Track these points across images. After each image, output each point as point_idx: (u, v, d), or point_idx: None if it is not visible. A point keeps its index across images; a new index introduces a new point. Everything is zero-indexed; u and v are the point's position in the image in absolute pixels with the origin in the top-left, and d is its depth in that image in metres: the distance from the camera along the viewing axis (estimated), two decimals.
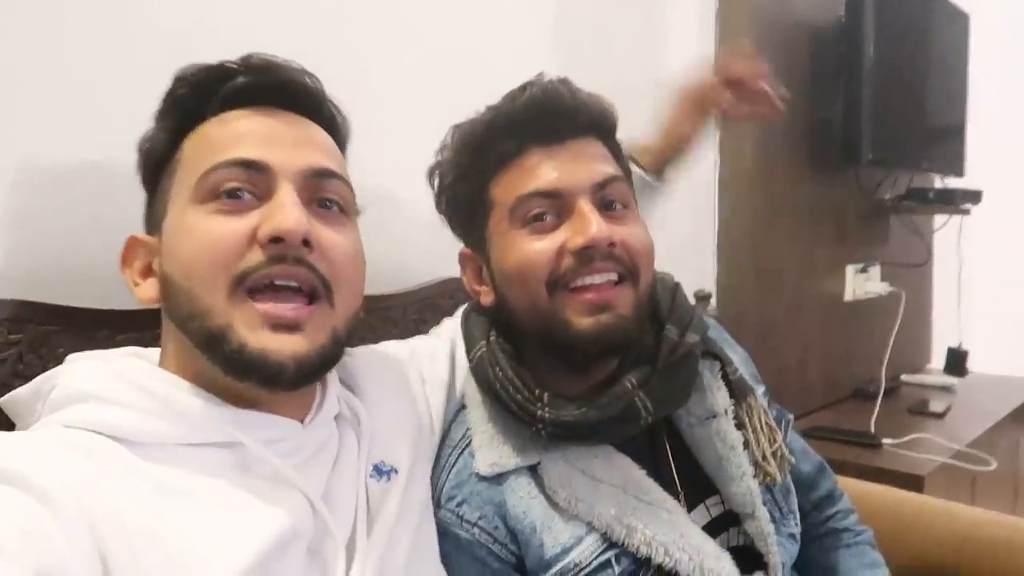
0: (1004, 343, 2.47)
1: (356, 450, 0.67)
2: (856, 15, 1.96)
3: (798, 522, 0.84)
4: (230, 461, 0.56)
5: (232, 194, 0.57)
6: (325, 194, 0.61)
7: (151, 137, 0.63)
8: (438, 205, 0.81)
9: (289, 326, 0.56)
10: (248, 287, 0.55)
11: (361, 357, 0.78)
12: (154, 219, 0.62)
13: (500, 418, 0.77)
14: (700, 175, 1.79)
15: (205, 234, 0.56)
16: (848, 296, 2.13)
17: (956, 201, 2.18)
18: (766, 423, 0.82)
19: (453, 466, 0.77)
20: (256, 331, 0.55)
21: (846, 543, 0.94)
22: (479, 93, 0.78)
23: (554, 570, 0.72)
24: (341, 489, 0.63)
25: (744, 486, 0.78)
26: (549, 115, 0.75)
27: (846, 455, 1.63)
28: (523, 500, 0.74)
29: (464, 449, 0.78)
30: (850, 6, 1.99)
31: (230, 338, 0.54)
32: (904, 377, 2.32)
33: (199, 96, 0.61)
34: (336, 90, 0.68)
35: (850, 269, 2.14)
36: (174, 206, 0.59)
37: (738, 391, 0.82)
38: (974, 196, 2.17)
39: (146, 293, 0.61)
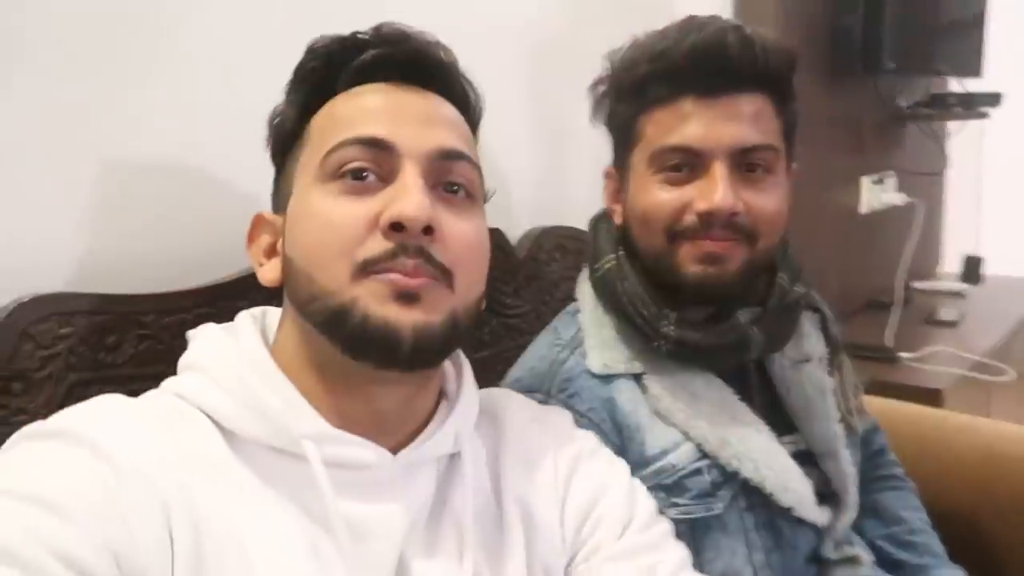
0: (1000, 243, 2.44)
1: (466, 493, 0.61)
2: None
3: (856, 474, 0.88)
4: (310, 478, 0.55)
5: (356, 175, 0.56)
6: (452, 177, 0.58)
7: (281, 111, 0.62)
8: (595, 113, 0.84)
9: (411, 296, 0.53)
10: (369, 273, 0.54)
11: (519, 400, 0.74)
12: (280, 197, 0.61)
13: (613, 326, 0.82)
14: None
15: (327, 218, 0.55)
16: (864, 208, 2.11)
17: (976, 105, 2.12)
18: (853, 381, 0.88)
19: (564, 363, 0.82)
20: (383, 302, 0.53)
21: (893, 486, 0.99)
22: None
23: (653, 468, 0.77)
24: (443, 547, 0.59)
25: (830, 429, 0.84)
26: (708, 67, 0.74)
27: (864, 370, 1.64)
28: (630, 401, 0.79)
29: (576, 349, 0.82)
30: None
31: (354, 312, 0.53)
32: (915, 284, 2.32)
33: (329, 69, 0.59)
34: None
35: (865, 180, 2.11)
36: (299, 184, 0.58)
37: (834, 344, 0.89)
38: (994, 99, 2.12)
39: (269, 274, 0.61)
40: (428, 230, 0.54)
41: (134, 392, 0.56)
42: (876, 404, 1.30)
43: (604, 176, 0.87)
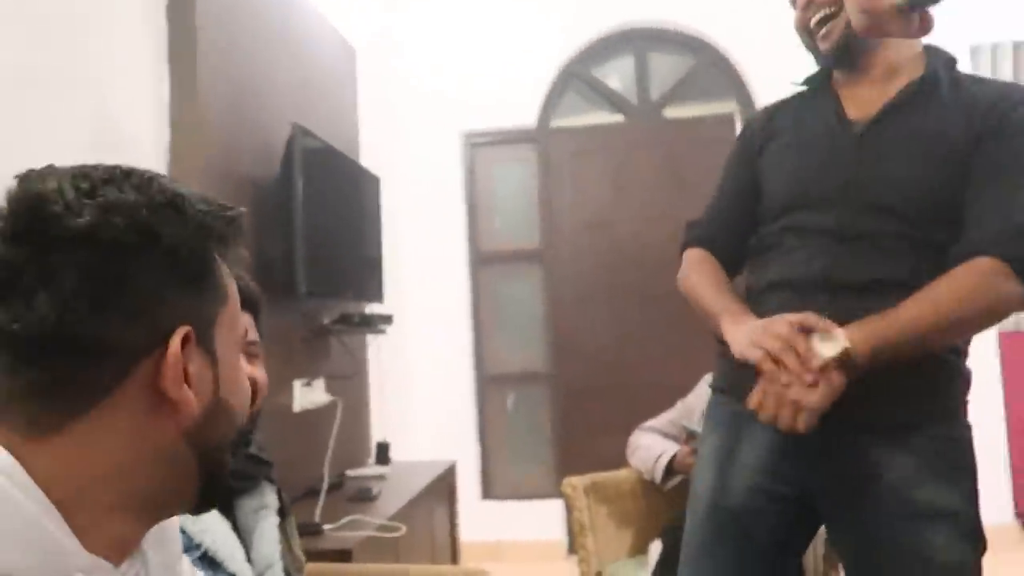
0: (418, 435, 3.11)
1: None
2: (288, 174, 2.38)
3: None
4: None
5: None
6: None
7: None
8: None
9: None
10: None
11: None
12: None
13: None
14: None
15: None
16: (297, 408, 2.47)
17: (375, 324, 2.73)
18: (299, 537, 1.41)
19: None
20: None
21: None
22: None
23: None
24: None
25: (271, 548, 1.24)
26: None
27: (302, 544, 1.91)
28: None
29: None
30: (284, 164, 2.41)
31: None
32: (348, 472, 2.75)
33: None
34: None
35: (297, 383, 2.50)
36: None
37: (283, 501, 1.35)
38: (387, 319, 2.76)
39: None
40: None
41: None
42: (313, 568, 1.58)
43: None
